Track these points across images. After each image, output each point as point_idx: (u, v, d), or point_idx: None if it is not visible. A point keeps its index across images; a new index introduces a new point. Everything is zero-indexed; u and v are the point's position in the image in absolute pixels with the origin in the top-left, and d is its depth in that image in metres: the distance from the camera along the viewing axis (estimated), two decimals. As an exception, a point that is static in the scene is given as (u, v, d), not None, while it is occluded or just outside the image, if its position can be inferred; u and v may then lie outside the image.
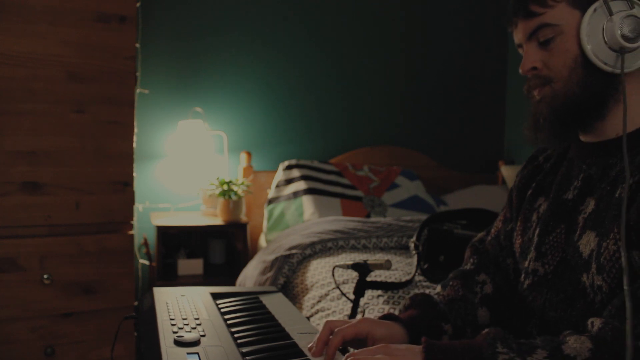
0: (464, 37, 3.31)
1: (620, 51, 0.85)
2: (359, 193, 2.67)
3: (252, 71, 2.87)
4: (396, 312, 1.35)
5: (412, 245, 1.78)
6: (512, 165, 3.24)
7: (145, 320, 0.96)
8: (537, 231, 0.97)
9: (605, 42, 0.86)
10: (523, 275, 0.99)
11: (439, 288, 1.10)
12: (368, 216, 2.56)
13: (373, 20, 3.11)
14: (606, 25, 0.85)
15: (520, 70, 0.95)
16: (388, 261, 1.32)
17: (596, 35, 0.86)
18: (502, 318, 1.06)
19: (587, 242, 0.86)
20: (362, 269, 1.35)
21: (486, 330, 0.78)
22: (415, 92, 3.24)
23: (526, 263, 0.98)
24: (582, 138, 0.96)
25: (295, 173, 2.69)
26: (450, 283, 1.08)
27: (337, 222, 2.30)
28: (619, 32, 0.84)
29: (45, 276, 1.93)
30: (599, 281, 0.82)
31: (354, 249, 2.12)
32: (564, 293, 0.89)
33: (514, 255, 1.08)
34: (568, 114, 0.90)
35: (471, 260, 1.14)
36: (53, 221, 1.97)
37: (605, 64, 0.86)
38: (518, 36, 0.95)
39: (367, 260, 1.35)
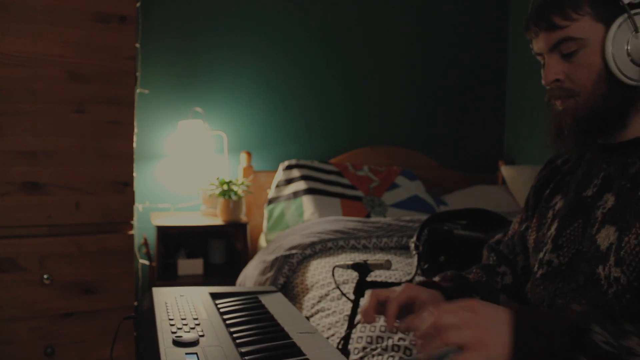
0: (464, 38, 3.31)
1: None
2: (359, 193, 2.67)
3: (252, 71, 2.87)
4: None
5: (412, 246, 1.78)
6: (512, 165, 3.24)
7: (144, 321, 0.96)
8: (554, 225, 1.00)
9: (630, 57, 0.87)
10: (537, 266, 1.02)
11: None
12: (368, 216, 2.56)
13: (373, 21, 3.10)
14: (631, 40, 0.87)
15: (543, 82, 0.95)
16: (388, 261, 1.31)
17: (621, 50, 0.87)
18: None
19: (606, 236, 0.88)
20: (362, 269, 1.34)
21: (577, 308, 0.80)
22: (415, 92, 3.24)
23: (541, 254, 1.01)
24: (600, 140, 0.99)
25: (295, 173, 2.69)
26: (474, 270, 1.13)
27: (337, 222, 2.30)
28: None
29: (45, 276, 1.93)
30: (617, 273, 0.84)
31: (354, 249, 2.12)
32: (575, 283, 0.92)
33: (524, 253, 1.12)
34: (591, 125, 0.92)
35: (491, 257, 1.18)
36: (53, 221, 1.97)
37: (630, 78, 0.88)
38: (539, 46, 0.95)
39: (367, 260, 1.35)
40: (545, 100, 0.98)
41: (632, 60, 0.87)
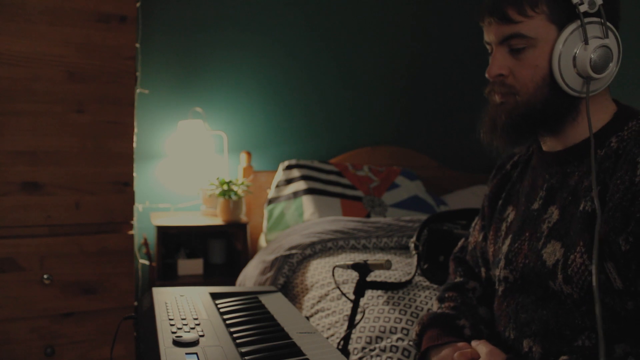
0: (465, 38, 3.31)
1: (587, 78, 0.86)
2: (359, 193, 2.67)
3: (252, 72, 2.87)
4: (397, 313, 1.35)
5: (412, 246, 1.78)
6: (513, 165, 3.23)
7: (144, 321, 0.96)
8: (507, 241, 1.00)
9: (575, 68, 0.86)
10: (497, 283, 1.02)
11: (436, 303, 1.14)
12: (368, 216, 2.56)
13: (374, 21, 3.10)
14: (579, 52, 0.85)
15: (487, 75, 0.93)
16: (388, 261, 1.32)
17: (567, 60, 0.86)
18: None
19: (552, 252, 0.88)
20: (362, 269, 1.34)
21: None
22: (415, 92, 3.24)
23: (498, 271, 1.02)
24: (543, 147, 0.98)
25: (295, 173, 2.69)
26: (446, 295, 1.14)
27: (337, 222, 2.30)
28: (590, 62, 0.85)
29: (45, 276, 1.93)
30: (568, 290, 0.84)
31: (354, 249, 2.12)
32: (534, 295, 0.92)
33: (485, 265, 1.13)
34: (524, 124, 0.91)
35: (458, 272, 1.20)
36: (53, 221, 1.97)
37: (572, 89, 0.87)
38: (489, 36, 0.94)
39: (367, 260, 1.35)
40: (485, 92, 0.96)
41: (578, 72, 0.86)
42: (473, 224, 1.22)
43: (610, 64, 0.86)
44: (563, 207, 0.89)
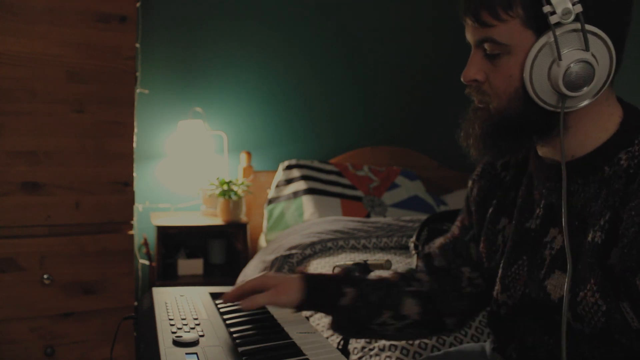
0: (464, 37, 3.31)
1: (561, 95, 0.75)
2: (359, 193, 2.67)
3: (252, 72, 2.87)
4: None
5: (411, 245, 1.78)
6: (513, 165, 3.23)
7: (144, 321, 0.96)
8: (502, 262, 0.92)
9: (549, 81, 0.75)
10: (496, 305, 0.95)
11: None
12: (368, 216, 2.56)
13: (376, 21, 3.10)
14: (553, 66, 0.74)
15: (462, 78, 0.86)
16: (388, 261, 1.31)
17: (542, 71, 0.75)
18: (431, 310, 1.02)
19: (558, 285, 0.80)
20: (362, 269, 1.34)
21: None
22: (415, 92, 3.24)
23: (495, 294, 0.94)
24: (539, 151, 0.88)
25: (295, 173, 2.69)
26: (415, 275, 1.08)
27: (337, 222, 2.30)
28: (563, 80, 0.73)
29: (45, 276, 1.93)
30: (579, 326, 0.78)
31: (354, 249, 2.12)
32: (542, 320, 0.86)
33: (470, 264, 1.03)
34: (498, 137, 0.82)
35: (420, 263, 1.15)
36: (53, 221, 1.97)
37: (547, 103, 0.77)
38: (467, 35, 0.87)
39: (367, 260, 1.35)
40: (466, 92, 0.88)
41: (552, 86, 0.75)
42: (455, 224, 1.13)
43: (586, 86, 0.74)
44: (568, 232, 0.80)
